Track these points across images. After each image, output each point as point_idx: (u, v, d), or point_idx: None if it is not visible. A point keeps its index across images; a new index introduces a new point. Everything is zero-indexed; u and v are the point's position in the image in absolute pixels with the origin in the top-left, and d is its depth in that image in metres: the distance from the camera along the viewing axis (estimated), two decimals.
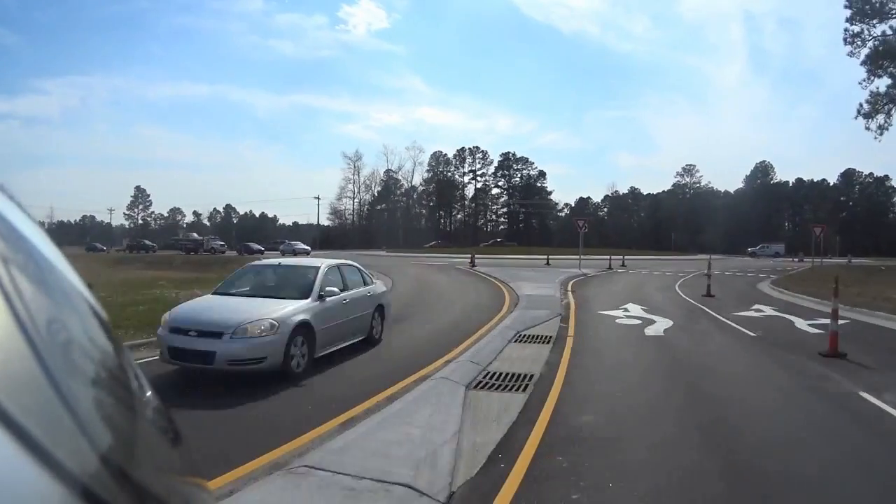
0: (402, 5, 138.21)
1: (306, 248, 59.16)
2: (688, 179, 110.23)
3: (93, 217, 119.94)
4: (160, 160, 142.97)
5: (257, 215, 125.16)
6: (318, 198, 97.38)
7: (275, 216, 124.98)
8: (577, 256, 34.10)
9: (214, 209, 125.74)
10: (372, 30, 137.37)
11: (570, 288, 20.01)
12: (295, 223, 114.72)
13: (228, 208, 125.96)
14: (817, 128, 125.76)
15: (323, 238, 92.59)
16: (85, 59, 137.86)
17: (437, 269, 32.09)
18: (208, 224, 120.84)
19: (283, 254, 54.82)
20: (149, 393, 0.64)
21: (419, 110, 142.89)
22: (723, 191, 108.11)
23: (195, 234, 71.24)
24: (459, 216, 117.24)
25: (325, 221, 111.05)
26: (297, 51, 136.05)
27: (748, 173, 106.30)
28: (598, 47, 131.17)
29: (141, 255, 57.46)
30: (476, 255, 37.48)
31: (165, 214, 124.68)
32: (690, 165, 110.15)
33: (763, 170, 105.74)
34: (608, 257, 36.99)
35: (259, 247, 66.35)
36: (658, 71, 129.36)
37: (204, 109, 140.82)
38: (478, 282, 23.35)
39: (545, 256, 39.49)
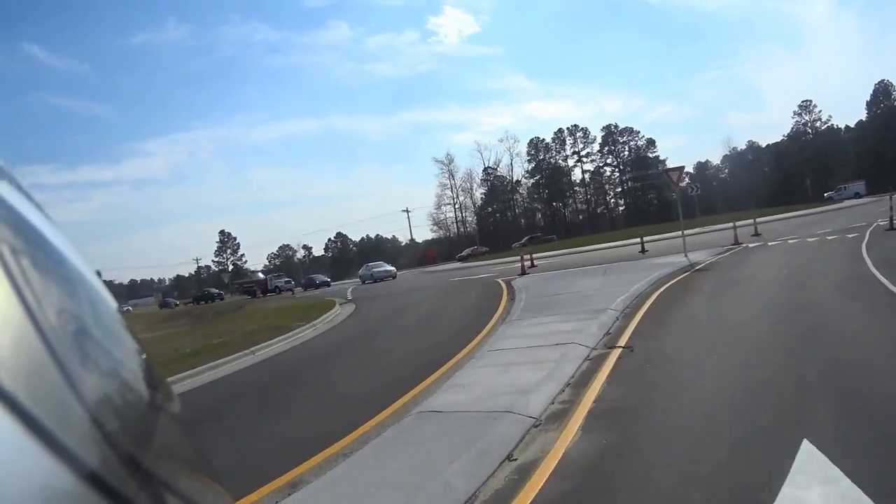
0: (488, 6, 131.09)
1: (390, 269, 47.48)
2: (807, 117, 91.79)
3: (208, 267, 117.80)
4: (278, 200, 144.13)
5: (373, 237, 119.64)
6: (406, 210, 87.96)
7: (393, 236, 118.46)
8: (683, 233, 20.19)
9: (329, 239, 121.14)
10: (464, 36, 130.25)
11: (625, 339, 7.65)
12: (412, 240, 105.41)
13: (340, 236, 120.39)
14: None
15: (424, 252, 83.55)
16: (182, 115, 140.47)
17: (459, 286, 21.15)
18: (327, 254, 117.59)
19: (363, 279, 45.87)
20: (172, 394, 0.63)
21: (527, 107, 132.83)
22: (843, 126, 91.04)
23: (260, 274, 63.84)
24: (572, 203, 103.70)
25: (428, 234, 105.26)
26: (396, 70, 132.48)
27: (867, 99, 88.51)
28: (687, 10, 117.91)
29: (206, 305, 51.35)
30: (536, 255, 26.76)
31: (276, 252, 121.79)
32: (807, 101, 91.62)
33: (883, 91, 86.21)
34: (732, 224, 23.77)
35: (325, 278, 58.63)
36: (748, 23, 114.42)
37: (315, 143, 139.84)
38: (449, 322, 12.06)
39: (639, 240, 26.66)
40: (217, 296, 61.91)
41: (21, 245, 0.43)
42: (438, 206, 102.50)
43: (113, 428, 0.41)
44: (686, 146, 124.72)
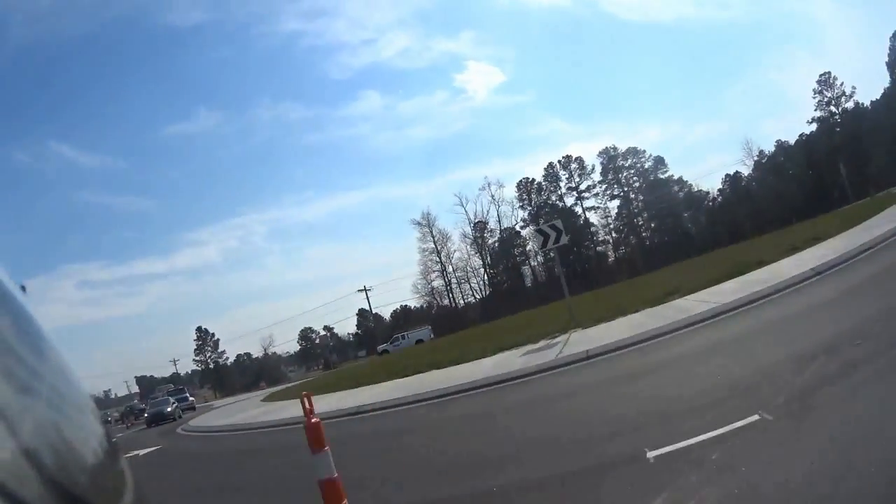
0: (511, 55, 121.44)
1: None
2: (829, 94, 73.55)
3: (255, 357, 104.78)
4: (332, 277, 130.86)
5: (402, 308, 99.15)
6: (365, 288, 70.31)
7: (426, 303, 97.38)
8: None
9: (357, 315, 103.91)
10: (492, 88, 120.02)
11: None
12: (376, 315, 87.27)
13: (363, 313, 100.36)
14: None
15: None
16: (228, 201, 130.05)
17: None
18: (351, 335, 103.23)
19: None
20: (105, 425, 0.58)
21: (568, 148, 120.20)
22: (869, 102, 71.35)
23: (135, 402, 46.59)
24: (592, 247, 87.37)
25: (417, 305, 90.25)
26: (432, 132, 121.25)
27: (885, 60, 69.42)
28: (704, 25, 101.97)
29: None
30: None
31: (295, 336, 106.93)
32: (826, 73, 72.98)
33: None
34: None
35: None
36: (762, 28, 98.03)
37: (365, 214, 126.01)
38: None
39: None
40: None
41: None
42: (425, 275, 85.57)
43: (45, 457, 0.38)
44: (725, 164, 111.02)
